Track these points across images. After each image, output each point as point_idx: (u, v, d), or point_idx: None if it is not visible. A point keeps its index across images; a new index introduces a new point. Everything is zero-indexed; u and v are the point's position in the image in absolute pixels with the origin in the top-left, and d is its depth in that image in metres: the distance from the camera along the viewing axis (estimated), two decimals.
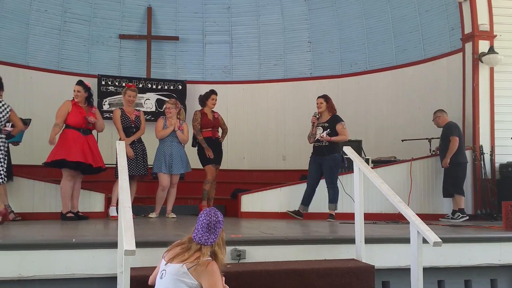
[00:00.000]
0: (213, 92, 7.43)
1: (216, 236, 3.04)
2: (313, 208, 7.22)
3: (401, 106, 9.77)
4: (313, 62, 10.68)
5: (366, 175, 4.31)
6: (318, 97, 7.28)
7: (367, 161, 8.01)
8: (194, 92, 10.66)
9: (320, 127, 7.09)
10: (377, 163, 8.21)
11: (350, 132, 9.89)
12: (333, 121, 7.12)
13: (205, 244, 3.00)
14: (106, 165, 6.74)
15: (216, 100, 7.43)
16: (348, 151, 4.69)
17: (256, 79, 10.86)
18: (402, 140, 9.07)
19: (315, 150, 7.08)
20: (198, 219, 3.09)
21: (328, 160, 6.98)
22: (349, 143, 7.70)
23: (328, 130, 7.02)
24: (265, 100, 10.79)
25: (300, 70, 10.75)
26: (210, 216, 3.06)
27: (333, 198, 6.97)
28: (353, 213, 6.90)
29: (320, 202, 7.22)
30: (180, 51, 10.84)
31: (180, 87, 10.52)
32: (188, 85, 10.56)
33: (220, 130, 7.63)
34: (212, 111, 7.44)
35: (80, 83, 6.55)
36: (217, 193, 7.90)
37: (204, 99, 7.45)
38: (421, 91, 9.48)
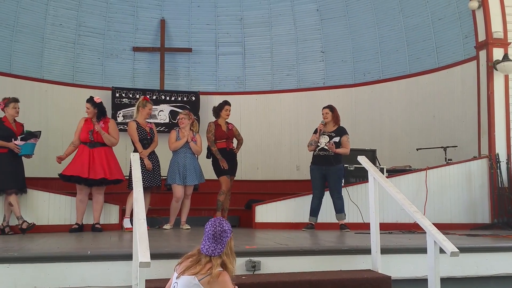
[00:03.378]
0: (226, 103, 7.46)
1: (223, 246, 3.02)
2: (322, 218, 7.20)
3: (415, 114, 9.71)
4: (326, 71, 10.67)
5: (381, 185, 4.27)
6: (324, 107, 7.27)
7: (381, 170, 7.96)
8: (208, 103, 10.70)
9: (325, 136, 7.09)
10: (392, 173, 8.15)
11: (364, 141, 9.94)
12: (340, 132, 7.13)
13: (213, 255, 2.99)
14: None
15: (229, 111, 7.45)
16: (363, 160, 4.66)
17: (269, 89, 10.88)
18: (417, 149, 9.01)
19: (319, 159, 7.05)
20: (204, 230, 3.08)
21: (335, 170, 6.98)
22: (363, 152, 7.67)
23: (338, 138, 7.03)
24: (278, 110, 10.78)
25: (313, 80, 10.74)
26: (215, 226, 3.04)
27: (342, 207, 6.98)
28: (361, 223, 7.06)
29: (328, 212, 7.19)
30: (193, 63, 10.89)
31: (193, 98, 10.56)
32: (201, 96, 10.60)
33: (235, 141, 7.64)
34: (226, 122, 7.45)
35: (89, 100, 6.74)
36: (231, 204, 7.89)
37: (218, 110, 7.48)
38: (435, 99, 9.41)
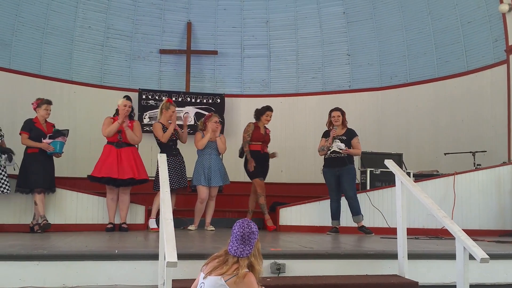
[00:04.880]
0: (268, 108, 7.56)
1: (251, 247, 3.03)
2: (348, 222, 7.18)
3: (443, 119, 9.59)
4: (351, 74, 10.62)
5: (409, 189, 4.23)
6: (335, 110, 7.23)
7: (408, 174, 7.85)
8: (232, 105, 10.74)
9: (337, 140, 7.07)
10: (419, 177, 8.06)
11: (390, 145, 9.85)
12: (350, 135, 7.13)
13: (241, 256, 3.00)
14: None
15: (270, 117, 7.58)
16: (390, 164, 4.61)
17: (294, 92, 10.86)
18: (445, 154, 8.89)
19: (332, 162, 7.03)
20: (232, 231, 3.09)
21: (348, 170, 6.98)
22: (389, 156, 7.59)
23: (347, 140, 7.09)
24: (303, 113, 10.76)
25: (338, 83, 10.69)
26: (243, 227, 3.04)
27: (359, 209, 6.95)
28: (386, 228, 7.01)
29: (349, 215, 7.16)
30: (218, 65, 10.94)
31: (218, 100, 10.61)
32: (226, 99, 10.64)
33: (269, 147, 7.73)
34: (265, 126, 7.57)
35: (128, 98, 6.80)
36: (256, 206, 7.90)
37: (259, 114, 7.59)
38: (464, 103, 9.29)
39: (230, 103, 10.67)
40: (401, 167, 8.00)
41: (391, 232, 6.36)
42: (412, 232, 6.62)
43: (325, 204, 7.37)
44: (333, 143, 7.01)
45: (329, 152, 7.05)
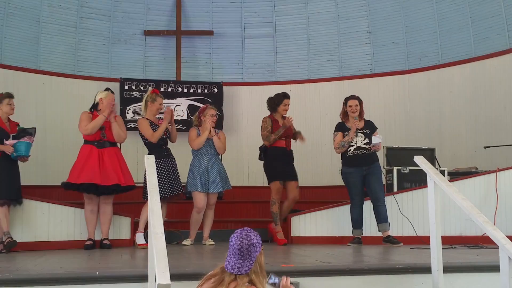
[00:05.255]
0: (285, 96, 7.42)
1: (251, 262, 2.98)
2: (371, 231, 7.19)
3: (482, 106, 9.58)
4: (373, 56, 10.61)
5: (443, 190, 4.23)
6: (352, 98, 7.19)
7: (442, 173, 7.87)
8: (232, 95, 10.75)
9: (360, 135, 7.05)
10: (455, 176, 8.06)
11: (420, 139, 9.85)
12: (371, 128, 7.13)
13: (239, 273, 2.96)
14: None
15: (288, 105, 7.44)
16: (420, 161, 4.61)
17: (305, 78, 10.88)
18: (485, 147, 8.89)
19: (358, 160, 7.00)
20: (229, 244, 3.05)
21: (376, 169, 7.01)
22: (420, 152, 7.61)
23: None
24: (316, 103, 10.76)
25: (358, 66, 10.70)
26: (241, 239, 2.99)
27: (387, 215, 6.96)
28: (412, 236, 6.99)
29: (373, 223, 7.15)
30: (215, 48, 10.96)
31: (215, 90, 10.62)
32: (225, 88, 10.67)
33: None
34: (283, 116, 7.44)
35: (110, 91, 6.83)
36: (262, 215, 7.92)
37: (274, 104, 7.41)
38: (507, 87, 9.28)
39: (230, 93, 10.70)
40: (433, 164, 8.00)
41: (422, 241, 6.35)
42: (448, 241, 6.62)
43: (345, 211, 7.37)
44: (356, 137, 7.01)
45: (352, 148, 7.04)
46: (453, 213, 7.02)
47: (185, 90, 10.53)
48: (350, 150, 7.04)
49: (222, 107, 10.42)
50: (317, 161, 10.60)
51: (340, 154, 7.17)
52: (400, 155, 8.22)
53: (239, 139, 10.60)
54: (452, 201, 4.18)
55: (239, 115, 10.74)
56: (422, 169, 4.51)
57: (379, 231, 6.98)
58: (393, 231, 7.05)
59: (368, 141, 7.00)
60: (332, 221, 7.42)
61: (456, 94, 9.91)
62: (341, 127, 7.15)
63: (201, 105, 8.02)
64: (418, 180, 7.86)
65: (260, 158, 7.45)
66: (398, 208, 7.20)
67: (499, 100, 9.40)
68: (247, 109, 10.78)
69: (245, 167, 10.57)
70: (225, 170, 7.30)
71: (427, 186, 4.40)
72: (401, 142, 9.00)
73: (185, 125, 10.05)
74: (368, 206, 7.09)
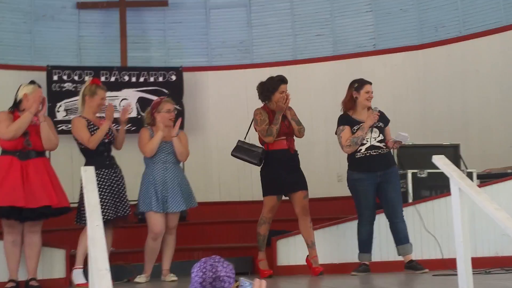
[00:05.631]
0: (282, 80, 7.28)
1: None
2: (382, 254, 7.24)
3: None
4: (376, 27, 10.65)
5: (471, 199, 4.23)
6: (368, 83, 7.18)
7: (469, 176, 7.90)
8: (196, 83, 10.71)
9: (375, 129, 7.03)
10: (485, 179, 8.09)
11: (441, 133, 9.87)
12: (384, 120, 7.10)
13: None
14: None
15: (287, 92, 7.28)
16: (440, 162, 4.61)
17: (290, 59, 10.88)
18: None
19: (372, 162, 6.95)
20: (191, 276, 3.04)
21: (394, 174, 7.01)
22: (440, 150, 7.61)
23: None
24: (305, 89, 10.73)
25: (357, 42, 10.74)
26: (204, 271, 2.99)
27: (407, 234, 6.95)
28: (438, 259, 6.90)
29: (384, 243, 7.16)
30: (171, 23, 10.94)
31: (173, 77, 10.58)
32: (185, 74, 10.63)
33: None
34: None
35: (36, 85, 6.70)
36: (240, 239, 7.89)
37: (267, 91, 7.27)
38: None
39: (192, 81, 10.68)
40: (458, 165, 8.02)
41: (446, 265, 6.36)
42: (480, 264, 6.65)
43: (347, 229, 7.37)
44: (371, 132, 6.95)
45: (363, 148, 6.98)
46: (485, 228, 7.03)
47: (133, 79, 10.48)
48: (361, 150, 6.95)
49: (182, 99, 10.39)
50: (308, 166, 10.43)
51: (346, 156, 7.13)
52: (416, 155, 8.23)
53: (205, 141, 10.58)
54: (484, 212, 4.18)
55: (205, 109, 10.71)
56: (443, 172, 4.51)
57: (399, 254, 6.96)
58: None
59: (382, 138, 6.97)
60: (331, 243, 7.42)
61: (484, 74, 9.96)
62: (347, 120, 7.07)
63: (155, 98, 7.97)
64: (439, 186, 7.86)
65: (258, 164, 7.29)
66: (421, 223, 7.17)
67: None
68: (215, 101, 10.75)
69: (214, 177, 10.56)
70: (189, 183, 7.25)
71: (450, 194, 4.40)
72: (417, 139, 8.99)
73: (135, 125, 9.95)
74: (378, 223, 7.08)
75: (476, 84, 10.05)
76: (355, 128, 6.95)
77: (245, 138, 7.37)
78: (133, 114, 10.31)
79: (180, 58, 10.89)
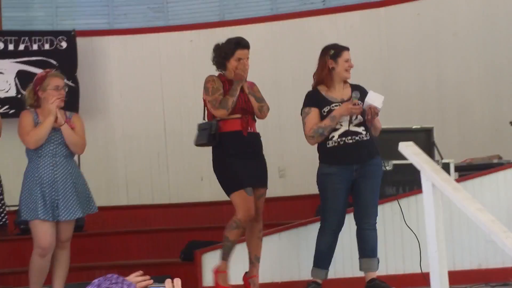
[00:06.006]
0: (239, 44, 7.24)
1: None
2: (336, 269, 7.26)
3: (504, 59, 9.83)
4: None
5: (448, 197, 4.31)
6: (346, 49, 7.18)
7: (445, 168, 8.02)
8: (94, 52, 10.64)
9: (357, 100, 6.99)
10: (466, 171, 8.24)
11: (409, 114, 9.97)
12: (364, 95, 7.04)
13: None
14: None
15: (248, 60, 7.22)
16: (409, 151, 4.68)
17: (215, 20, 10.92)
18: (511, 123, 9.11)
19: (345, 153, 6.96)
20: None
21: (376, 168, 6.96)
22: (411, 135, 7.71)
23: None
24: None
25: None
26: None
27: (375, 246, 7.00)
28: (413, 274, 7.07)
29: (343, 255, 7.25)
30: None
31: (63, 44, 10.49)
32: (80, 40, 10.58)
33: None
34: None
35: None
36: (153, 254, 7.90)
37: (221, 57, 7.24)
38: None
39: (89, 49, 10.67)
40: (431, 155, 8.14)
41: (419, 281, 6.47)
42: (463, 278, 6.79)
43: (294, 238, 7.42)
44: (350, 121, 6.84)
45: (336, 134, 6.93)
46: (466, 234, 7.16)
47: (11, 47, 10.39)
48: (333, 137, 6.88)
49: (76, 73, 10.32)
50: None
51: (318, 147, 7.09)
52: (378, 142, 8.32)
53: (108, 127, 10.57)
54: (464, 214, 4.26)
55: (107, 86, 10.67)
56: (412, 164, 4.57)
57: (361, 270, 7.01)
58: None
59: (362, 121, 6.87)
60: (272, 256, 7.44)
61: (463, 39, 10.14)
62: (316, 99, 7.01)
63: (39, 72, 7.89)
64: (407, 181, 7.99)
65: (203, 143, 7.20)
66: (401, 218, 7.18)
67: None
68: (119, 75, 10.71)
69: (120, 174, 10.55)
70: (86, 182, 7.21)
71: (421, 191, 4.47)
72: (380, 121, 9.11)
73: (13, 107, 9.87)
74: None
75: (453, 51, 10.23)
76: (326, 110, 6.84)
77: (204, 119, 7.27)
78: (11, 92, 10.23)
79: (72, 19, 10.84)
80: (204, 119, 7.19)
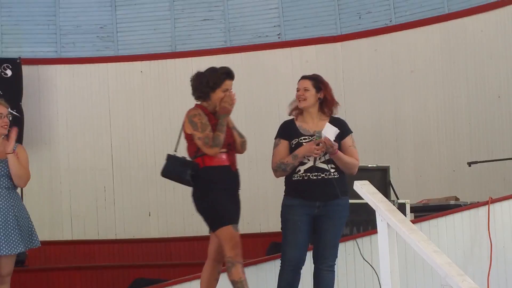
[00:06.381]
0: (228, 74, 7.12)
1: None
2: None
3: (462, 98, 9.92)
4: (282, 11, 10.77)
5: (403, 239, 4.32)
6: (303, 78, 7.15)
7: (401, 208, 8.05)
8: (40, 80, 10.58)
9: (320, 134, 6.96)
10: (422, 212, 8.29)
11: (366, 151, 9.96)
12: (341, 131, 6.98)
13: None
14: None
15: (231, 90, 7.10)
16: (364, 190, 4.70)
17: (167, 51, 10.91)
18: (469, 164, 9.15)
19: (308, 188, 6.94)
20: None
21: (340, 209, 6.88)
22: (366, 173, 7.73)
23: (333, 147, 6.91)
24: (188, 92, 10.69)
25: (256, 30, 10.84)
26: None
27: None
28: None
29: None
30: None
31: (8, 72, 10.41)
32: (25, 68, 10.49)
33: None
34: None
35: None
36: None
37: (205, 88, 7.10)
38: (498, 59, 9.64)
39: (35, 77, 10.60)
40: (387, 195, 8.17)
41: None
42: None
43: (259, 274, 7.37)
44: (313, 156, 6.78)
45: (302, 169, 6.88)
46: (421, 277, 7.12)
47: None
48: (299, 171, 6.85)
49: (20, 102, 10.24)
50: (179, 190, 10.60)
51: (285, 178, 7.03)
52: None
53: (53, 158, 10.47)
54: (419, 255, 4.28)
55: (53, 116, 10.58)
56: (367, 203, 4.59)
57: None
58: None
59: (329, 158, 6.81)
60: None
61: (420, 75, 10.19)
62: (289, 130, 6.93)
63: None
64: (362, 221, 8.00)
65: (185, 180, 7.06)
66: (354, 258, 7.19)
67: (489, 85, 9.74)
68: (66, 105, 10.64)
69: (65, 207, 10.43)
70: (29, 215, 7.14)
71: (376, 232, 4.48)
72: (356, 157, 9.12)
73: None
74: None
75: (410, 87, 10.28)
76: (294, 142, 6.73)
77: (175, 150, 7.11)
78: None
79: (18, 47, 10.75)
80: (175, 150, 7.07)
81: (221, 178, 6.82)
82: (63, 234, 10.15)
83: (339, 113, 8.80)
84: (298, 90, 6.78)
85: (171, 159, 6.92)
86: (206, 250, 9.49)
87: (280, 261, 6.84)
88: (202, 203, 6.88)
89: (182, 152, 6.81)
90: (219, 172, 6.86)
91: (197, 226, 10.36)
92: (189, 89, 10.77)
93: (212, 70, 7.04)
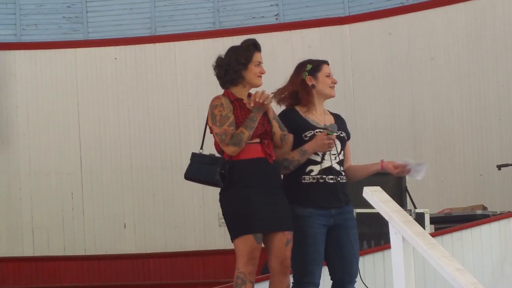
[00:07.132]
0: (255, 46, 6.94)
1: None
2: None
3: (491, 82, 9.91)
4: None
5: (421, 255, 4.32)
6: (325, 62, 7.05)
7: (419, 219, 8.06)
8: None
9: (337, 142, 6.92)
10: (443, 223, 8.30)
11: (379, 151, 9.95)
12: (346, 130, 6.93)
13: None
14: None
15: (261, 65, 6.92)
16: (375, 197, 4.69)
17: (146, 34, 10.94)
18: (499, 167, 9.16)
19: (323, 193, 6.83)
20: None
21: (352, 217, 6.85)
22: (379, 178, 7.73)
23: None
24: (170, 79, 10.78)
25: (252, 9, 10.86)
26: None
27: None
28: None
29: None
30: None
31: None
32: None
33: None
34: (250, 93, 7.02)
35: None
36: None
37: (239, 65, 6.88)
38: None
39: None
40: (403, 203, 8.18)
41: None
42: None
43: None
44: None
45: (315, 170, 6.73)
46: None
47: None
48: (312, 171, 6.67)
49: None
50: (175, 199, 10.61)
51: (288, 180, 6.88)
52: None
53: (12, 161, 10.51)
54: (439, 274, 4.27)
55: (12, 110, 10.59)
56: (379, 213, 4.58)
57: None
58: None
59: (343, 158, 6.74)
60: None
61: (442, 63, 10.21)
62: (294, 120, 6.76)
63: None
64: (373, 234, 8.01)
65: (216, 182, 6.89)
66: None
67: None
68: (27, 97, 10.65)
69: (25, 218, 10.42)
70: None
71: (389, 247, 4.47)
72: None
73: None
74: None
75: (430, 79, 10.29)
76: (309, 135, 6.59)
77: (201, 148, 6.89)
78: None
79: None
80: (201, 148, 6.83)
81: (253, 173, 6.58)
82: (23, 249, 10.13)
83: (346, 108, 8.84)
84: (328, 75, 6.58)
85: (196, 157, 6.74)
86: (190, 268, 9.56)
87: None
88: (222, 205, 6.66)
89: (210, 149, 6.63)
90: (250, 165, 6.62)
91: (180, 240, 10.42)
92: (171, 78, 10.90)
93: (234, 48, 6.82)
